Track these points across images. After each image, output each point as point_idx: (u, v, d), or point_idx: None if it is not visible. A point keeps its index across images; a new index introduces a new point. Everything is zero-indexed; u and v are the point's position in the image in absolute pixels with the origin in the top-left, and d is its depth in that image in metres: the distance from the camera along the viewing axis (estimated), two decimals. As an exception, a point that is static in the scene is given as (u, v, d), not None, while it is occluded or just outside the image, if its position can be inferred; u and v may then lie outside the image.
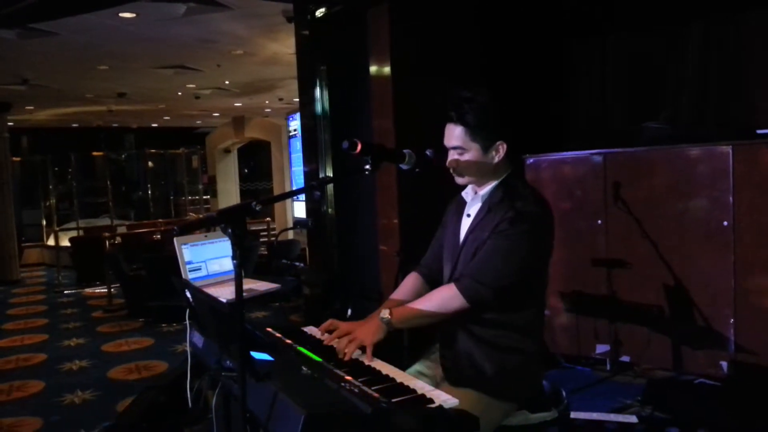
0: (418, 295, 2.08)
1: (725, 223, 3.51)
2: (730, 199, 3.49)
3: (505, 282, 1.76)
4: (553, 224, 1.87)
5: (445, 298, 1.80)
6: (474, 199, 1.94)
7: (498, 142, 1.85)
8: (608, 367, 4.06)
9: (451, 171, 1.90)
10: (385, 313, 1.80)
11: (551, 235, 1.88)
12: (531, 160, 4.29)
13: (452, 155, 1.88)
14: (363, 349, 1.77)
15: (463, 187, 1.99)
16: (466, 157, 1.85)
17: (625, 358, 4.00)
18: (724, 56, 4.23)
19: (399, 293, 2.10)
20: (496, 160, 1.86)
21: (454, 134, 1.85)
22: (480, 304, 1.77)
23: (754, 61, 4.12)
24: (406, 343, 2.44)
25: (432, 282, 2.11)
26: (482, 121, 1.82)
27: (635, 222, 3.83)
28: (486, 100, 1.83)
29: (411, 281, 2.14)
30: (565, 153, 4.20)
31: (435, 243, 2.15)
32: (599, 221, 4.01)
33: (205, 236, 2.64)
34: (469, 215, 1.95)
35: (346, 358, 1.74)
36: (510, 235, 1.76)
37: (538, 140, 4.34)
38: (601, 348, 4.06)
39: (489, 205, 1.87)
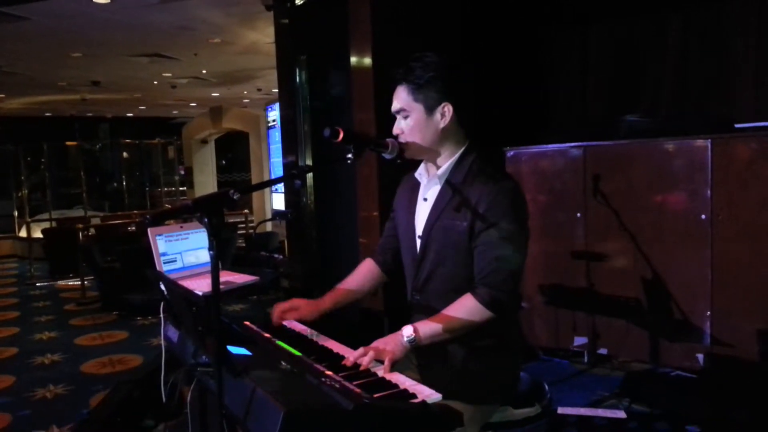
0: (371, 283, 2.05)
1: (703, 216, 3.54)
2: (708, 192, 3.51)
3: (518, 280, 1.71)
4: (525, 199, 1.78)
5: (472, 312, 1.68)
6: (430, 180, 1.83)
7: (444, 103, 1.75)
8: (586, 359, 4.08)
9: (398, 141, 1.78)
10: (408, 332, 1.66)
11: (528, 211, 1.79)
12: (511, 153, 4.28)
13: (398, 123, 1.80)
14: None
15: (416, 166, 1.89)
16: (410, 120, 1.76)
17: (603, 351, 4.02)
18: (704, 49, 4.26)
19: (350, 282, 2.05)
20: (442, 125, 1.76)
21: (399, 96, 1.78)
22: (503, 310, 1.68)
23: (734, 55, 4.15)
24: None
25: (388, 270, 2.05)
26: (427, 78, 1.73)
27: (614, 215, 3.85)
28: (433, 59, 1.75)
29: (366, 268, 2.08)
30: (544, 146, 4.20)
31: (388, 228, 2.06)
32: (578, 214, 4.01)
33: (181, 227, 2.58)
34: (426, 199, 1.84)
35: (362, 368, 1.62)
36: (503, 229, 1.67)
37: (518, 132, 4.34)
38: (579, 340, 4.08)
39: (452, 187, 1.76)
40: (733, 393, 3.41)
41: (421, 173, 1.89)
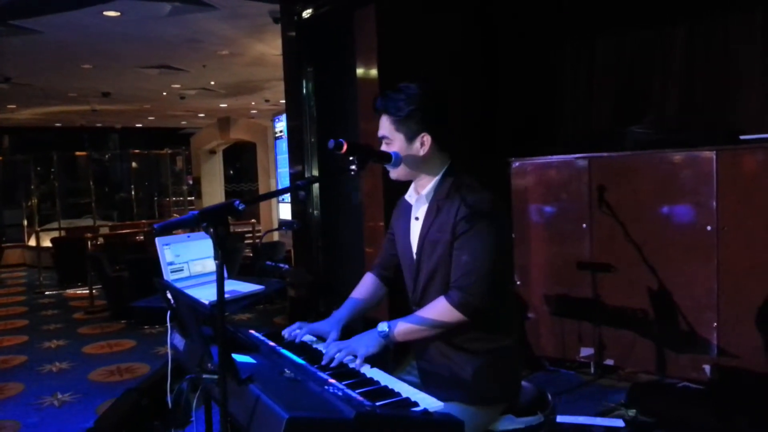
0: (376, 295, 2.13)
1: (709, 227, 3.54)
2: (714, 203, 3.51)
3: (490, 286, 1.75)
4: (504, 209, 1.87)
5: (442, 312, 1.76)
6: (419, 200, 1.92)
7: (422, 134, 1.83)
8: (592, 370, 4.07)
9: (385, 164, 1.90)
10: (383, 327, 1.79)
11: (508, 220, 1.88)
12: (516, 164, 4.29)
13: (382, 146, 1.90)
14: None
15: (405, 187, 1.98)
16: (392, 147, 1.86)
17: (609, 362, 4.01)
18: (709, 60, 4.26)
19: (358, 292, 2.13)
20: (422, 153, 1.84)
21: (383, 124, 1.88)
22: (475, 314, 1.74)
23: (738, 67, 4.15)
24: (391, 346, 2.42)
25: (387, 283, 2.14)
26: (405, 111, 1.82)
27: (620, 226, 3.85)
28: (415, 92, 1.83)
29: (368, 281, 2.15)
30: (550, 157, 4.21)
31: (386, 245, 2.15)
32: (584, 225, 4.02)
33: (188, 237, 2.60)
34: (417, 218, 1.93)
35: (333, 364, 1.74)
36: (475, 235, 1.75)
37: (524, 143, 4.35)
38: (586, 351, 4.07)
39: (437, 204, 1.85)
40: (739, 404, 3.40)
41: (411, 194, 1.98)
